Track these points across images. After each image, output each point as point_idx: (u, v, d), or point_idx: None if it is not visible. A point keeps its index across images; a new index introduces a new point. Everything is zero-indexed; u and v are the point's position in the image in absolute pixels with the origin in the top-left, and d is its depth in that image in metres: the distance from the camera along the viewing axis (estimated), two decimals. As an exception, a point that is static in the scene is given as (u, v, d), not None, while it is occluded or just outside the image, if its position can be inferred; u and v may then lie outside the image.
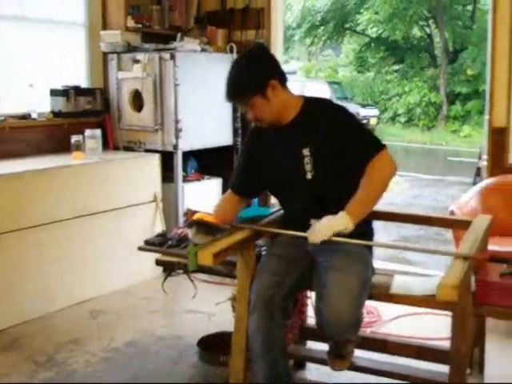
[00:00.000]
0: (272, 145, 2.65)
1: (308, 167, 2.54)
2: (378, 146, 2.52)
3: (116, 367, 3.32)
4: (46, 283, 4.04)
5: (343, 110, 2.62)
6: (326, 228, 2.41)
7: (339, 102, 2.89)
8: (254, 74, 2.52)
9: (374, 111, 18.50)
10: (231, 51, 5.19)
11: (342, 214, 2.42)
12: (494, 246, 3.13)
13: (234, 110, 5.21)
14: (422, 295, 2.47)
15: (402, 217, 3.17)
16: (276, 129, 2.63)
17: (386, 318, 3.90)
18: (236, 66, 2.59)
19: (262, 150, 2.68)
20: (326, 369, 2.63)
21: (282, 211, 2.91)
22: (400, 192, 10.05)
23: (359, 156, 2.50)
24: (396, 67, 20.95)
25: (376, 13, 19.32)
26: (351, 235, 2.47)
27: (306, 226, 2.51)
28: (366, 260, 2.57)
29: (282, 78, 2.58)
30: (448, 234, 5.38)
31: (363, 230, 2.58)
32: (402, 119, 18.99)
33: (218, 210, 2.75)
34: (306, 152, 2.53)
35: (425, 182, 10.76)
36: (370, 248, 2.64)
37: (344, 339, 2.43)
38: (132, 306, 4.21)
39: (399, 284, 2.59)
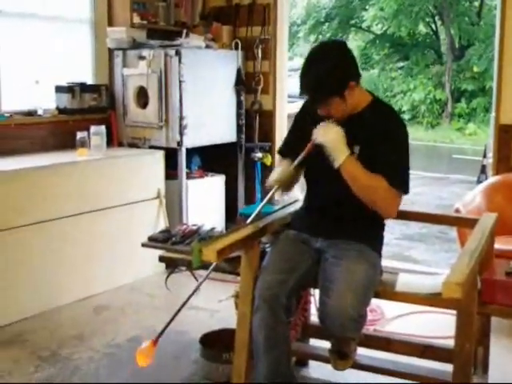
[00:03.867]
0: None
1: None
2: (401, 185, 2.50)
3: (119, 363, 3.32)
4: (51, 279, 4.04)
5: (404, 127, 2.59)
6: (335, 131, 2.45)
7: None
8: (337, 76, 2.46)
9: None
10: (236, 48, 5.18)
11: (346, 147, 2.44)
12: (500, 245, 3.11)
13: (239, 107, 5.20)
14: (426, 293, 2.45)
15: (406, 214, 3.15)
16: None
17: (389, 317, 3.89)
18: (317, 62, 2.48)
19: (313, 123, 2.60)
20: (329, 367, 2.62)
21: (287, 208, 2.91)
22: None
23: (385, 175, 2.45)
24: (401, 64, 20.88)
25: (381, 9, 19.24)
26: (361, 239, 2.51)
27: (325, 215, 2.58)
28: (375, 261, 2.57)
29: (359, 78, 2.56)
30: (452, 232, 5.37)
31: (372, 235, 2.62)
32: (407, 116, 18.91)
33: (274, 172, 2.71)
34: (356, 150, 2.51)
35: (429, 180, 10.73)
36: (379, 251, 2.65)
37: (346, 336, 2.42)
38: (136, 302, 4.21)
39: (404, 282, 2.58)
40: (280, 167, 2.72)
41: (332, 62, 2.47)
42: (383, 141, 2.48)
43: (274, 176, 2.66)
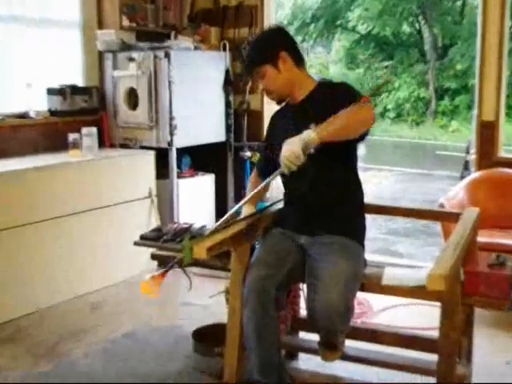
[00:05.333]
0: (286, 124, 2.72)
1: None
2: (363, 96, 2.50)
3: (114, 358, 3.33)
4: (46, 278, 4.04)
5: (351, 87, 2.63)
6: (294, 140, 2.37)
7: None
8: (266, 44, 2.71)
9: (365, 107, 18.45)
10: (224, 49, 5.19)
11: (308, 130, 2.39)
12: (482, 238, 3.14)
13: (227, 107, 5.21)
14: (412, 286, 2.47)
15: (391, 210, 3.17)
16: (289, 107, 2.74)
17: (376, 309, 3.92)
18: (253, 39, 2.93)
19: (277, 130, 2.78)
20: (318, 359, 2.65)
21: (277, 205, 2.93)
22: (388, 186, 10.09)
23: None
24: (385, 63, 20.94)
25: (366, 9, 19.27)
26: (344, 230, 2.55)
27: (304, 209, 2.64)
28: (358, 253, 2.60)
29: (295, 55, 2.70)
30: (436, 226, 5.41)
31: (354, 226, 2.64)
32: (391, 115, 18.99)
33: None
34: (311, 127, 2.47)
35: (413, 176, 10.80)
36: (361, 243, 2.67)
37: (334, 329, 2.44)
38: (130, 298, 4.22)
39: (390, 275, 2.60)
40: (252, 186, 2.89)
41: (264, 35, 2.85)
42: (336, 101, 2.48)
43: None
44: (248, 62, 2.77)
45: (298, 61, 2.71)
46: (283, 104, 2.80)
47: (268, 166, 2.76)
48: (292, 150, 2.34)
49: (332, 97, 2.58)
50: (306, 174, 2.55)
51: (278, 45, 2.67)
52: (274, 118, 2.91)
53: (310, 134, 2.37)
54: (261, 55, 2.68)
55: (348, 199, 2.68)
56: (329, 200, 2.62)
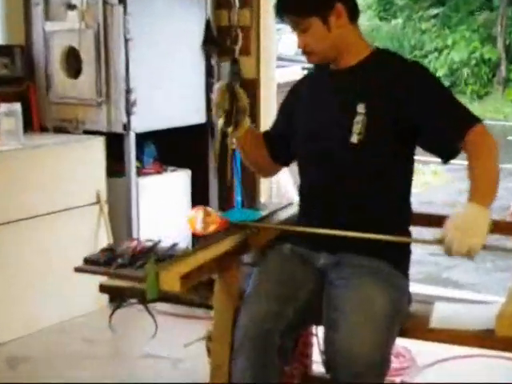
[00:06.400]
0: (321, 97, 2.77)
1: (357, 128, 2.61)
2: (474, 119, 2.56)
3: None
4: None
5: (422, 66, 2.76)
6: (476, 226, 2.33)
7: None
8: None
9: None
10: (204, -9, 5.19)
11: (471, 205, 2.37)
12: None
13: (208, 75, 5.20)
14: (473, 330, 2.47)
15: (444, 220, 3.17)
16: (328, 75, 2.77)
17: (422, 363, 3.92)
18: None
19: (306, 106, 2.82)
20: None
21: (279, 214, 2.94)
22: (441, 187, 10.08)
23: (448, 131, 2.55)
24: (434, 11, 20.98)
25: None
26: (380, 253, 2.59)
27: (328, 221, 2.60)
28: (398, 283, 2.61)
29: (352, 9, 2.70)
30: (509, 243, 5.41)
31: (397, 247, 2.65)
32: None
33: None
34: (360, 108, 2.62)
35: (475, 172, 10.79)
36: (405, 271, 2.69)
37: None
38: (66, 350, 4.21)
39: (442, 315, 2.60)
40: None
41: None
42: (418, 101, 2.59)
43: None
44: (285, 8, 2.70)
45: (354, 15, 2.72)
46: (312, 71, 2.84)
47: (282, 151, 2.92)
48: (480, 243, 2.30)
49: (396, 72, 2.65)
50: (338, 164, 2.64)
51: None
52: (297, 87, 2.95)
53: (486, 215, 2.35)
54: (308, 3, 2.65)
55: (393, 207, 2.69)
56: (365, 211, 2.63)
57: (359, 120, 2.61)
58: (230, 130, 2.81)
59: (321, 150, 2.71)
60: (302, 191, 2.86)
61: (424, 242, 2.75)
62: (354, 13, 2.71)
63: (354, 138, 2.60)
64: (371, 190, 2.64)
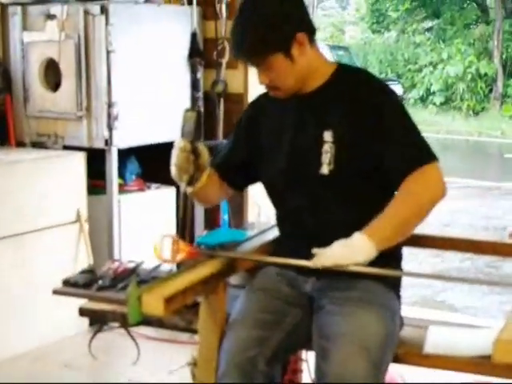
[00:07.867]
0: (282, 121, 2.71)
1: (326, 158, 2.58)
2: (429, 156, 2.56)
3: None
4: None
5: (389, 90, 2.69)
6: (340, 257, 2.40)
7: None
8: (278, 24, 2.54)
9: (397, 88, 18.56)
10: (190, 3, 5.19)
11: (359, 237, 2.42)
12: None
13: (194, 88, 5.21)
14: (469, 356, 2.47)
15: (440, 242, 3.18)
16: (291, 99, 2.68)
17: (417, 390, 3.92)
18: (250, 9, 2.60)
19: (266, 127, 2.76)
20: None
21: (266, 235, 2.93)
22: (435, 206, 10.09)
23: (400, 163, 2.53)
24: (429, 24, 21.11)
25: None
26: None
27: (309, 246, 2.53)
28: (391, 306, 2.60)
29: (311, 31, 2.63)
30: (506, 266, 5.43)
31: (389, 253, 2.59)
32: (438, 99, 19.11)
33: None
34: (327, 136, 2.56)
35: (471, 191, 10.84)
36: (397, 292, 2.68)
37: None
38: (44, 377, 4.18)
39: (436, 339, 2.60)
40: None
41: (271, 8, 2.56)
42: (379, 124, 2.55)
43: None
44: (244, 52, 2.61)
45: (313, 36, 2.64)
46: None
47: (238, 174, 2.86)
48: (341, 265, 2.39)
49: (360, 94, 2.60)
50: (310, 190, 2.63)
51: (294, 23, 2.57)
52: (259, 104, 2.87)
53: (368, 253, 2.39)
54: (267, 43, 2.53)
55: None
56: (348, 228, 2.59)
57: (327, 149, 2.58)
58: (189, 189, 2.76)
59: (292, 178, 2.68)
60: (279, 214, 2.84)
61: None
62: (313, 34, 2.64)
63: (325, 169, 2.58)
64: (350, 217, 2.59)
